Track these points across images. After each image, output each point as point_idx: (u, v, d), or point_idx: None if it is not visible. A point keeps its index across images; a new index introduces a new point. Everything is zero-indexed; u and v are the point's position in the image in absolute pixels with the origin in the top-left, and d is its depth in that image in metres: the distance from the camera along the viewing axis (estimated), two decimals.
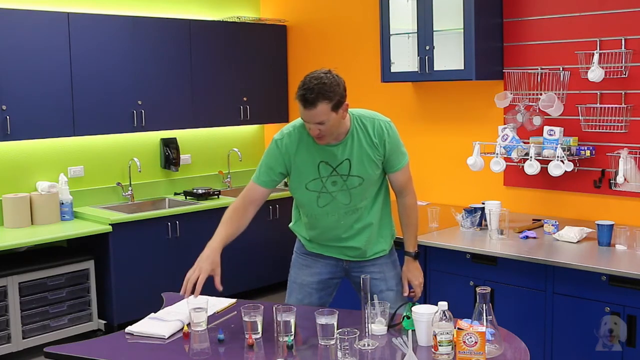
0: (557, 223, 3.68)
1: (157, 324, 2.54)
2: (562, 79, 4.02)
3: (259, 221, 5.28)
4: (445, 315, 2.19)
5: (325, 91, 2.51)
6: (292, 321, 2.40)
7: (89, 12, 4.76)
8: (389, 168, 2.82)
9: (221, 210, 5.02)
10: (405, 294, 2.90)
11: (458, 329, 2.15)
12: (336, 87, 2.55)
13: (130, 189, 5.13)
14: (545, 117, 4.04)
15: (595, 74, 3.76)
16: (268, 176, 2.78)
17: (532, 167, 3.90)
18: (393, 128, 2.82)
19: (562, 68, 4.02)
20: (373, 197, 2.85)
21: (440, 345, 2.18)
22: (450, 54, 4.23)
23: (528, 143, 3.99)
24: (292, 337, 2.36)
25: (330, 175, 2.74)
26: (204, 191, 5.22)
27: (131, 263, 4.64)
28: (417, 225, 2.97)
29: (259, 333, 2.43)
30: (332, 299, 3.03)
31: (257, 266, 5.37)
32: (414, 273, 2.92)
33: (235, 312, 2.69)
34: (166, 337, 2.47)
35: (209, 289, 2.80)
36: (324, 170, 2.74)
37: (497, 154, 4.04)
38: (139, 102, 4.93)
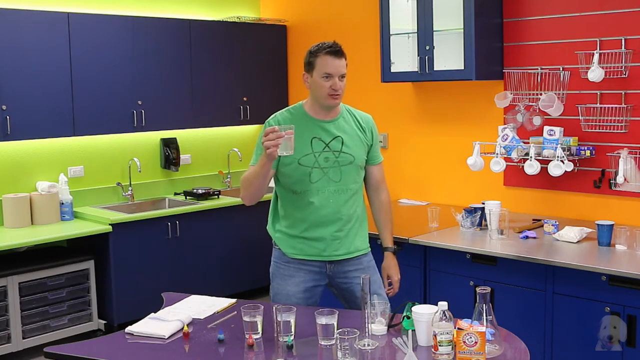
0: (557, 223, 3.68)
1: (157, 324, 2.54)
2: (562, 79, 4.02)
3: (258, 221, 5.32)
4: (445, 315, 2.19)
5: (343, 50, 2.81)
6: (292, 321, 2.40)
7: (89, 12, 4.76)
8: (371, 159, 2.97)
9: (221, 210, 5.12)
10: (386, 289, 2.98)
11: (458, 329, 2.15)
12: None
13: (130, 189, 5.13)
14: (545, 117, 4.04)
15: (595, 74, 3.76)
16: (260, 155, 2.81)
17: (532, 167, 3.90)
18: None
19: (562, 68, 4.02)
20: (358, 188, 2.94)
21: (440, 345, 2.18)
22: (450, 54, 4.23)
23: (528, 143, 3.99)
24: (292, 337, 2.36)
25: (323, 150, 2.84)
26: (204, 191, 5.22)
27: (131, 263, 4.64)
28: (392, 220, 3.10)
29: (259, 333, 2.43)
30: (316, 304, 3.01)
31: (257, 266, 5.36)
32: (394, 269, 3.04)
33: (235, 312, 2.69)
34: (166, 337, 2.47)
35: (209, 289, 2.80)
36: (316, 146, 2.84)
37: (497, 154, 4.04)
38: (139, 102, 4.93)
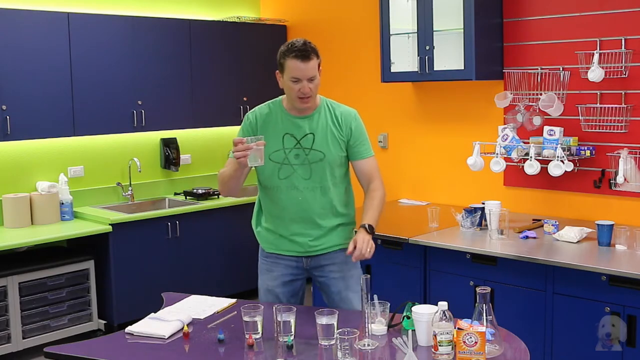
0: (557, 223, 3.68)
1: (157, 324, 2.54)
2: (562, 79, 4.02)
3: None
4: (445, 315, 2.19)
5: (314, 49, 2.76)
6: (292, 321, 2.40)
7: (89, 12, 4.76)
8: (354, 155, 2.90)
9: (221, 210, 5.12)
10: (348, 252, 2.73)
11: (458, 329, 2.15)
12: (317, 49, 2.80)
13: (130, 189, 5.13)
14: (545, 117, 4.04)
15: (595, 74, 3.76)
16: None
17: (532, 167, 3.90)
18: (359, 118, 2.95)
19: (562, 68, 4.02)
20: (333, 186, 2.87)
21: (440, 345, 2.18)
22: (450, 54, 4.23)
23: (528, 143, 3.99)
24: (292, 337, 2.36)
25: (294, 147, 2.83)
26: (204, 191, 5.22)
27: (131, 263, 4.64)
28: (380, 208, 2.88)
29: (259, 333, 2.43)
30: (301, 301, 3.02)
31: (257, 266, 5.36)
32: (363, 238, 2.73)
33: (235, 312, 2.69)
34: (166, 337, 2.47)
35: (209, 289, 2.80)
36: (287, 142, 2.84)
37: (497, 154, 4.04)
38: (139, 102, 4.93)
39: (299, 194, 2.84)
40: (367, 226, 2.78)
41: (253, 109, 2.97)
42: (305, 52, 2.71)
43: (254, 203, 3.07)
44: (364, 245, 2.70)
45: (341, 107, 2.93)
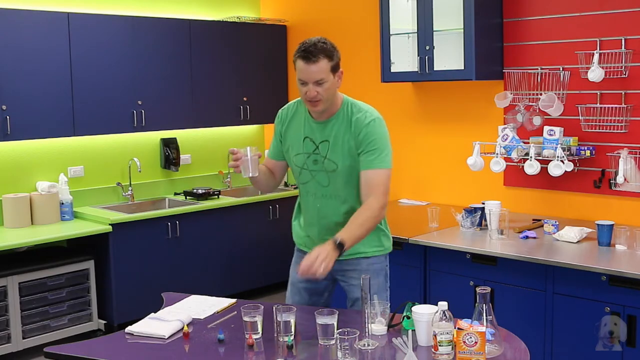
0: (557, 223, 3.68)
1: (157, 324, 2.54)
2: (562, 79, 4.02)
3: (259, 221, 5.35)
4: (445, 315, 2.19)
5: (326, 49, 2.57)
6: (292, 321, 2.40)
7: (89, 12, 4.76)
8: (360, 165, 2.65)
9: (221, 210, 5.12)
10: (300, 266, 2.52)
11: (458, 329, 2.14)
12: (335, 49, 2.62)
13: (130, 189, 5.13)
14: (545, 117, 4.04)
15: (595, 74, 3.76)
16: (273, 147, 2.89)
17: (532, 167, 3.90)
18: (378, 125, 2.65)
19: (562, 68, 4.02)
20: (358, 196, 2.70)
21: (440, 345, 2.18)
22: (450, 54, 4.23)
23: (528, 143, 3.99)
24: (292, 337, 2.36)
25: (313, 152, 2.73)
26: (204, 191, 5.22)
27: (131, 263, 4.64)
28: (363, 227, 2.59)
29: (259, 333, 2.43)
30: (326, 302, 2.94)
31: (257, 266, 5.37)
32: (320, 251, 2.46)
33: (235, 312, 2.69)
34: (166, 337, 2.47)
35: (209, 289, 2.79)
36: (307, 147, 2.74)
37: (497, 154, 4.04)
38: (139, 102, 4.93)
39: (317, 201, 2.76)
40: (336, 241, 2.50)
41: (285, 105, 2.87)
42: (311, 52, 2.54)
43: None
44: (317, 260, 2.42)
45: (361, 111, 2.67)
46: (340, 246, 2.50)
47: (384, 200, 2.63)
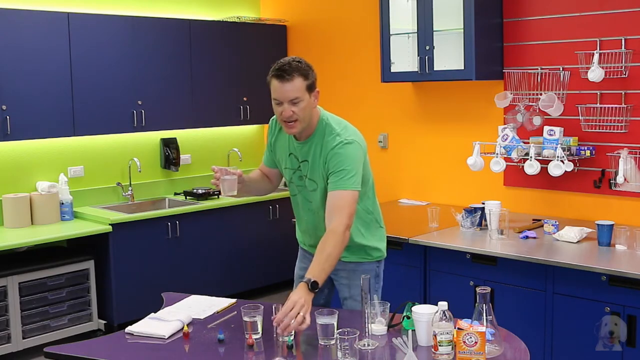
0: (557, 223, 3.68)
1: (157, 324, 2.54)
2: (562, 79, 4.02)
3: (259, 221, 5.35)
4: (445, 315, 2.19)
5: (300, 68, 2.54)
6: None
7: (89, 12, 4.76)
8: (328, 186, 2.60)
9: (221, 210, 5.13)
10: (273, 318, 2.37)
11: (458, 329, 2.14)
12: (310, 69, 2.58)
13: (130, 189, 5.13)
14: (545, 117, 4.04)
15: (595, 74, 3.76)
16: (267, 155, 2.91)
17: (532, 167, 3.90)
18: (346, 148, 2.59)
19: (562, 68, 4.02)
20: None
21: (440, 345, 2.18)
22: (450, 54, 4.23)
23: (528, 143, 3.99)
24: (292, 337, 2.36)
25: (297, 169, 2.75)
26: (204, 191, 5.22)
27: (131, 263, 4.64)
28: (331, 256, 2.46)
29: (259, 333, 2.43)
30: (326, 300, 2.94)
31: (257, 266, 5.37)
32: (295, 301, 2.29)
33: (235, 312, 2.69)
34: (166, 337, 2.47)
35: (209, 289, 2.79)
36: (292, 163, 2.76)
37: (497, 154, 4.04)
38: (139, 102, 4.93)
39: (305, 214, 2.81)
40: (309, 283, 2.36)
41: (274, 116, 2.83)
42: (285, 71, 2.49)
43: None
44: (293, 311, 2.25)
45: (332, 133, 2.62)
46: (314, 285, 2.36)
47: (348, 222, 2.53)
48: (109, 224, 4.52)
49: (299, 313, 2.26)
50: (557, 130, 3.88)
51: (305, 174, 2.71)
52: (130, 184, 5.14)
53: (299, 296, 2.31)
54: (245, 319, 2.42)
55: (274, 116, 2.78)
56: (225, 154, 5.75)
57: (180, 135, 5.42)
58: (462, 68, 4.13)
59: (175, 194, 5.38)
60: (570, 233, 3.53)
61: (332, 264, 2.48)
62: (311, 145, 2.67)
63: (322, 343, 2.35)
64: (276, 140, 2.83)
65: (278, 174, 2.93)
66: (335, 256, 2.50)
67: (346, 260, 2.80)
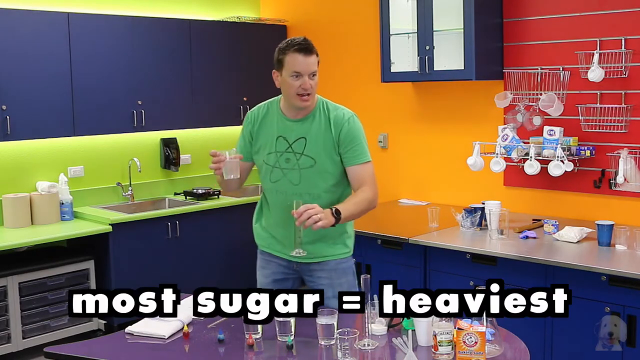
0: (557, 223, 3.68)
1: (157, 324, 2.54)
2: (562, 79, 4.02)
3: None
4: None
5: (314, 46, 2.72)
6: (292, 321, 2.40)
7: (89, 12, 4.76)
8: (346, 161, 2.76)
9: (221, 210, 5.12)
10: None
11: (458, 329, 2.15)
12: None
13: (130, 189, 5.13)
14: (545, 117, 4.04)
15: (595, 74, 3.76)
16: (240, 148, 2.93)
17: (532, 167, 3.90)
18: (356, 122, 2.80)
19: (562, 68, 4.02)
20: (324, 193, 2.76)
21: (440, 345, 2.18)
22: (450, 54, 4.24)
23: (528, 143, 3.99)
24: (292, 337, 2.36)
25: (285, 151, 2.78)
26: (204, 191, 5.22)
27: (131, 263, 4.64)
28: (359, 206, 2.71)
29: (259, 333, 2.43)
30: None
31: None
32: (317, 209, 2.53)
33: None
34: (166, 337, 2.47)
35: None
36: (280, 145, 2.79)
37: (497, 154, 4.04)
38: (139, 102, 4.93)
39: (286, 199, 2.75)
40: (333, 209, 2.60)
41: (255, 107, 2.95)
42: (308, 46, 2.68)
43: (255, 203, 3.08)
44: (313, 210, 2.50)
45: (337, 109, 2.80)
46: (337, 214, 2.59)
47: (377, 191, 2.78)
48: (109, 224, 4.52)
49: (317, 215, 2.48)
50: (557, 130, 3.88)
51: (300, 151, 2.76)
52: (130, 184, 5.14)
53: (324, 210, 2.54)
54: None
55: (254, 108, 2.91)
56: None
57: (180, 135, 5.42)
58: (462, 68, 4.13)
59: (175, 194, 5.38)
60: (570, 233, 3.53)
61: (356, 212, 2.71)
62: (312, 121, 2.77)
63: (322, 343, 2.35)
64: (260, 128, 2.86)
65: (249, 168, 2.94)
66: (362, 210, 2.72)
67: (326, 260, 2.85)
